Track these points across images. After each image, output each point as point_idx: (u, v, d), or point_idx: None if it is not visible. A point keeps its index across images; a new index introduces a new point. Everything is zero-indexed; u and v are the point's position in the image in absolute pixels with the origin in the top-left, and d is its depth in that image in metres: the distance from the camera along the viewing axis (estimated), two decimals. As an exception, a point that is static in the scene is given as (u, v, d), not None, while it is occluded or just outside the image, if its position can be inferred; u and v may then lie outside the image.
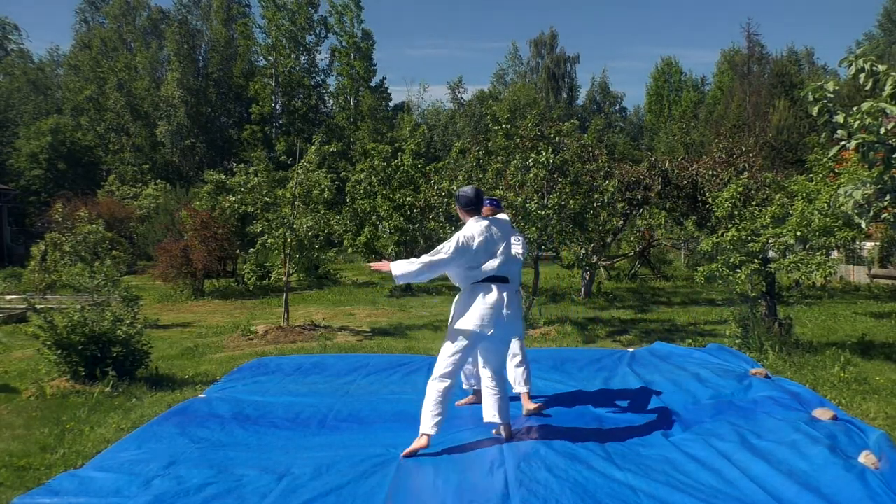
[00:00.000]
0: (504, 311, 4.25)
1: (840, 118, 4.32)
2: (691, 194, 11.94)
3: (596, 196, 9.28)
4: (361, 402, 5.20)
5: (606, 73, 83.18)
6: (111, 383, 5.85)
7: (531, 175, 8.83)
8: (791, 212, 7.05)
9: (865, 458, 3.72)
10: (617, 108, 57.83)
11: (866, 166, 4.49)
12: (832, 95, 4.37)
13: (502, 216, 4.74)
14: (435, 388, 4.18)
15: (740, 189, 7.97)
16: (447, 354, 4.24)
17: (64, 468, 4.06)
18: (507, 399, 4.41)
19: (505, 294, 4.30)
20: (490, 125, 10.12)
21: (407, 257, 6.59)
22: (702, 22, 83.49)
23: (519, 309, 4.51)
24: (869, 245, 15.78)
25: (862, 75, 4.33)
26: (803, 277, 7.66)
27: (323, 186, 9.73)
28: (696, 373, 5.90)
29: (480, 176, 9.84)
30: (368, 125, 37.47)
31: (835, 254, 13.82)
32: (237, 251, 15.88)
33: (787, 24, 76.15)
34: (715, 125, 29.74)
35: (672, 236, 17.13)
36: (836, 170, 7.35)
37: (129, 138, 36.94)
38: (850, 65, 4.38)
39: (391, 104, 44.43)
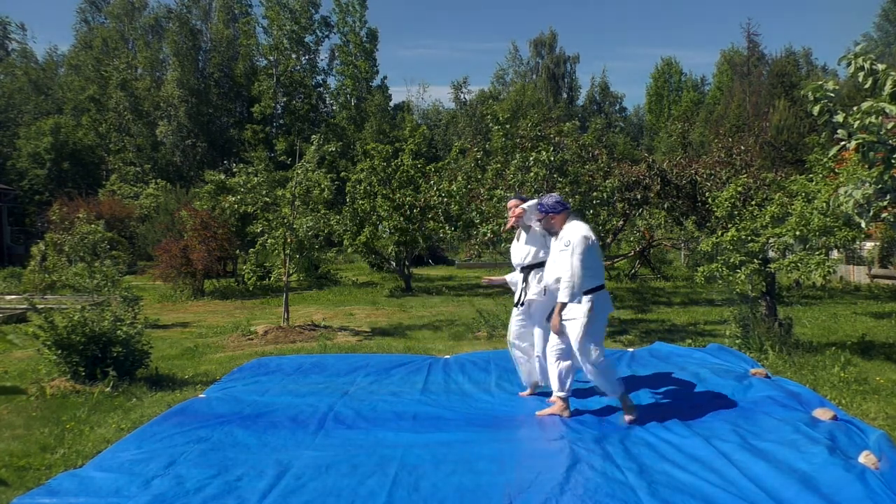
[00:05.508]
0: None
1: (840, 118, 4.31)
2: (691, 194, 11.94)
3: (595, 195, 9.27)
4: (361, 402, 5.19)
5: (606, 74, 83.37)
6: (111, 383, 5.84)
7: (531, 175, 8.84)
8: (791, 211, 7.05)
9: (865, 458, 3.72)
10: (617, 108, 57.87)
11: (866, 166, 4.49)
12: (832, 95, 4.37)
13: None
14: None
15: (740, 189, 7.96)
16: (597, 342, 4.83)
17: (64, 468, 4.06)
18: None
19: None
20: (490, 125, 10.12)
21: (407, 257, 6.53)
22: (702, 22, 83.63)
23: None
24: (869, 245, 15.78)
25: (861, 74, 4.32)
26: (803, 277, 7.65)
27: (323, 186, 9.72)
28: (696, 373, 5.90)
29: (479, 176, 9.84)
30: (373, 124, 37.42)
31: (835, 254, 13.83)
32: (237, 251, 15.87)
33: (785, 25, 76.33)
34: (715, 125, 29.73)
35: (672, 236, 17.13)
36: (836, 170, 7.34)
37: (131, 138, 36.94)
38: (850, 63, 4.38)
39: (391, 104, 44.50)
